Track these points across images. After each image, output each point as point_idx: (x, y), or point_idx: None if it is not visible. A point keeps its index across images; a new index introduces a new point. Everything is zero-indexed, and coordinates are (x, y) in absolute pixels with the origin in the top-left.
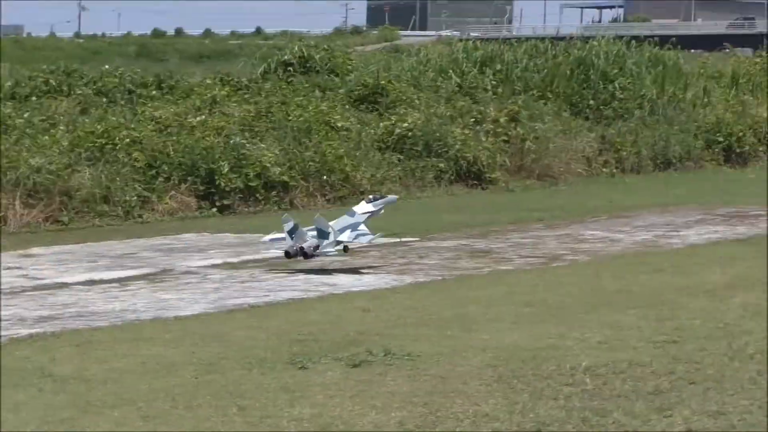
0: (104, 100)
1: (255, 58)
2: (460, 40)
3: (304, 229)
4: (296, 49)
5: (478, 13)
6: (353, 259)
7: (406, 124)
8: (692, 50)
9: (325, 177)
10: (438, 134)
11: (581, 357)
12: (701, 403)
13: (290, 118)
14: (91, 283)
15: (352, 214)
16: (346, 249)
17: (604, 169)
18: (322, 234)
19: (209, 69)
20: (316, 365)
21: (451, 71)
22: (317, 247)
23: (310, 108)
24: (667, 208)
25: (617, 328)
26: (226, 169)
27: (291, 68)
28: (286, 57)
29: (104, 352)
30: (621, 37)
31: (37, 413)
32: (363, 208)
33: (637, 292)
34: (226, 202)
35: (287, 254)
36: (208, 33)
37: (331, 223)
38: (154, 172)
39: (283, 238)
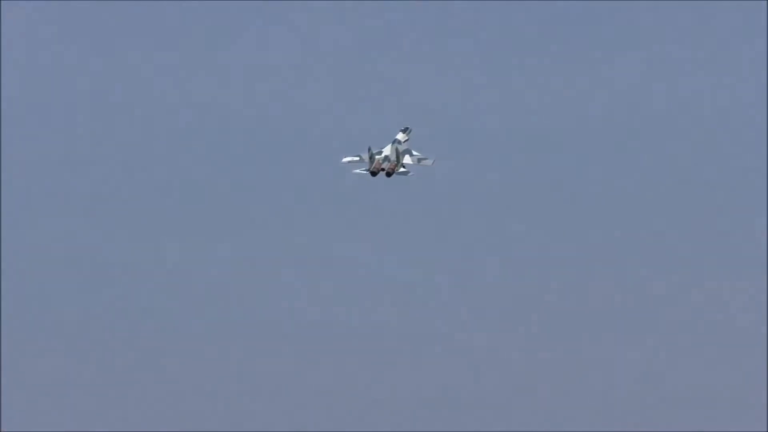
0: None
1: None
2: None
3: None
4: None
5: None
6: None
7: None
8: None
9: None
10: None
11: None
12: None
13: None
14: None
15: (399, 142)
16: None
17: None
18: (397, 157)
19: None
20: None
21: None
22: (394, 166)
23: None
24: None
25: None
26: None
27: None
28: None
29: None
30: None
31: None
32: (401, 136)
33: None
34: None
35: (372, 173)
36: None
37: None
38: None
39: (359, 161)
